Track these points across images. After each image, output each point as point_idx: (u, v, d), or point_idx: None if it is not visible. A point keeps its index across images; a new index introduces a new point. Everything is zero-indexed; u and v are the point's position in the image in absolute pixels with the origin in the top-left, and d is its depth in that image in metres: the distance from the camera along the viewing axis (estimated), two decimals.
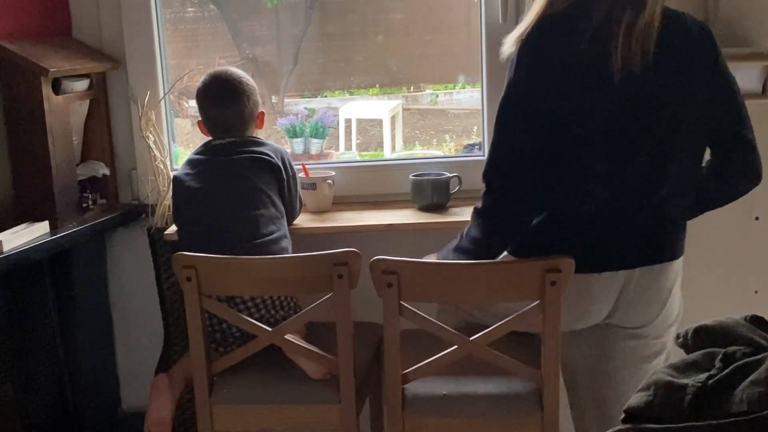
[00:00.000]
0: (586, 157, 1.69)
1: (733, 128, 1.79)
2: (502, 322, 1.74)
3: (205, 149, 2.14)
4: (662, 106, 1.69)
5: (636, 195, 1.71)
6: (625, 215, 1.72)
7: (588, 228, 1.72)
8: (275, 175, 2.09)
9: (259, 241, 1.98)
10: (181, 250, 1.87)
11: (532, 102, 1.67)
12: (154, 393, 2.05)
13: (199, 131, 2.22)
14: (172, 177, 2.21)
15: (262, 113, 2.21)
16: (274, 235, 2.01)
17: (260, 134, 2.24)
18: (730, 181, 1.86)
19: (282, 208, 2.09)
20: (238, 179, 2.04)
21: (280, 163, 2.11)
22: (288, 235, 2.08)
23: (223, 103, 2.13)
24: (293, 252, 2.06)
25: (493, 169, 1.71)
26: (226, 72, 2.18)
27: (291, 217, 2.17)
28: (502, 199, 1.72)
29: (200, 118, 2.19)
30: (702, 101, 1.73)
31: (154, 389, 2.06)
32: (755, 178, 1.85)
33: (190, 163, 2.12)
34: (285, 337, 1.88)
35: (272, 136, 3.06)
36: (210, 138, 2.16)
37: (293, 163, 2.18)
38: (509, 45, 1.72)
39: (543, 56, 1.67)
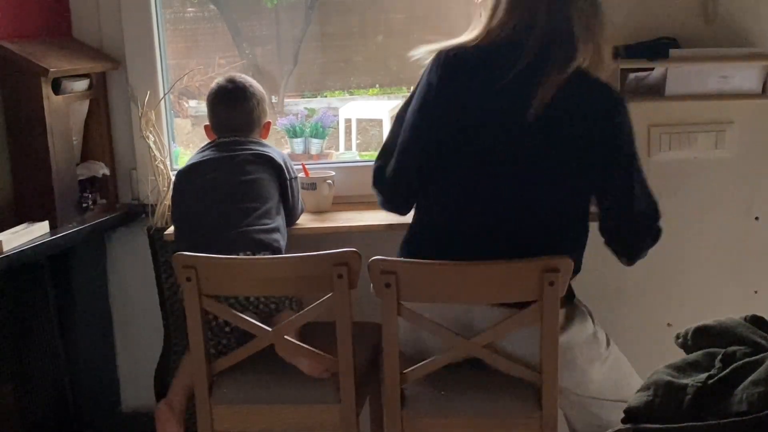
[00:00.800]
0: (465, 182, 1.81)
1: (623, 202, 1.85)
2: (501, 321, 1.74)
3: (208, 145, 2.17)
4: (547, 156, 1.77)
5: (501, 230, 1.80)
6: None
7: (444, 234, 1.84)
8: (277, 174, 2.11)
9: (249, 228, 1.99)
10: (178, 245, 1.88)
11: (433, 120, 1.82)
12: (158, 424, 2.05)
13: (205, 135, 2.23)
14: (173, 175, 2.21)
15: (269, 123, 2.26)
16: (267, 226, 2.01)
17: None
18: (623, 244, 1.95)
19: (280, 205, 2.10)
20: (238, 173, 2.06)
21: (282, 164, 2.13)
22: (283, 230, 2.08)
23: (235, 102, 2.17)
24: (291, 252, 2.06)
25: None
26: (241, 76, 2.24)
27: (291, 218, 2.18)
28: (389, 197, 1.95)
29: (207, 123, 2.22)
30: (590, 165, 1.79)
31: (157, 421, 2.05)
32: (650, 243, 1.95)
33: (194, 158, 2.14)
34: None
35: (272, 135, 3.05)
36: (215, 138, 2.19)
37: (293, 165, 2.20)
38: (427, 52, 1.85)
39: (457, 84, 1.79)
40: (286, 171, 2.14)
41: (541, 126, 1.74)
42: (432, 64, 1.83)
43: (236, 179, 2.06)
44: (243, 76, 2.25)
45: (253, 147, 2.13)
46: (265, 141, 2.23)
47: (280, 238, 2.06)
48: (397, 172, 1.88)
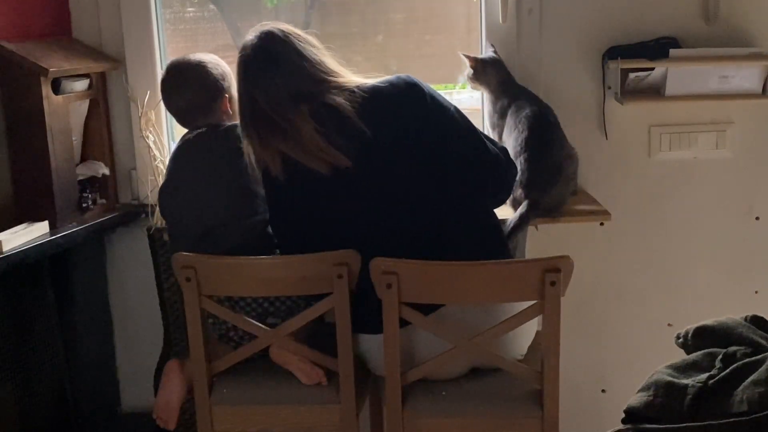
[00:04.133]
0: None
1: (471, 156, 1.87)
2: (502, 321, 1.74)
3: (177, 149, 2.09)
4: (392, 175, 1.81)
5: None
6: None
7: None
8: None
9: (245, 239, 1.97)
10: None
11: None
12: (164, 378, 2.03)
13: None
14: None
15: (225, 97, 2.08)
16: (256, 230, 1.98)
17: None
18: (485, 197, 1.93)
19: (256, 187, 2.02)
20: (211, 183, 2.01)
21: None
22: (260, 209, 2.02)
23: (170, 92, 2.09)
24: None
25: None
26: (176, 60, 2.12)
27: None
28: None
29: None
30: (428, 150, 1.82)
31: (165, 374, 2.04)
32: (505, 192, 1.98)
33: (168, 169, 2.09)
34: (274, 350, 1.90)
35: None
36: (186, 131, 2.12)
37: None
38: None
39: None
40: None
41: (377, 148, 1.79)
42: None
43: (213, 189, 2.00)
44: (183, 58, 2.11)
45: (217, 141, 2.03)
46: (228, 123, 2.08)
47: (258, 217, 2.01)
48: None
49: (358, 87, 1.83)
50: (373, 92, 1.82)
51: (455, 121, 1.87)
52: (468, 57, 2.22)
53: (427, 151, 1.82)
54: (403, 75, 1.87)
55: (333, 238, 1.83)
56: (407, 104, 1.83)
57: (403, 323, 1.76)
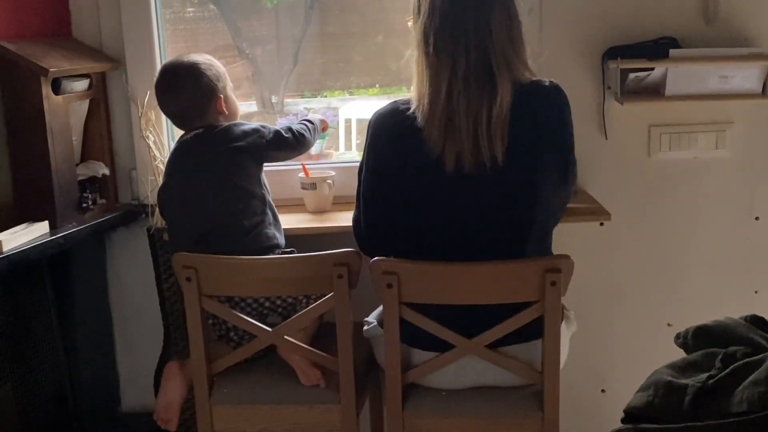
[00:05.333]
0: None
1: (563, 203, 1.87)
2: (502, 324, 1.74)
3: (175, 150, 2.10)
4: (516, 190, 1.74)
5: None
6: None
7: None
8: (250, 157, 2.04)
9: (244, 240, 1.97)
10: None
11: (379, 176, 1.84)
12: (165, 378, 2.03)
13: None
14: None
15: (219, 98, 2.07)
16: (255, 230, 1.99)
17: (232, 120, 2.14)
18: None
19: (262, 191, 2.04)
20: (208, 183, 2.00)
21: (253, 139, 2.05)
22: (271, 220, 2.04)
23: (164, 95, 2.08)
24: (289, 247, 2.05)
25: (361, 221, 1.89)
26: (169, 62, 2.11)
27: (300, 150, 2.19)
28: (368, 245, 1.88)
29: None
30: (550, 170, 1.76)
31: (165, 375, 2.04)
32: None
33: (166, 170, 2.09)
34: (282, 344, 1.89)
35: None
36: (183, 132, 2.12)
37: (270, 127, 2.11)
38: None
39: (388, 142, 1.82)
40: (261, 140, 2.05)
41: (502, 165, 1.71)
42: (370, 126, 1.87)
43: (210, 192, 1.99)
44: (175, 60, 2.10)
45: (216, 143, 2.03)
46: (226, 123, 2.08)
47: (273, 230, 2.01)
48: (369, 228, 1.86)
49: (514, 82, 1.71)
50: (523, 97, 1.71)
51: (573, 163, 1.81)
52: None
53: (542, 179, 1.75)
54: (560, 90, 1.75)
55: (426, 239, 1.78)
56: (550, 124, 1.74)
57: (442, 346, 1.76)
